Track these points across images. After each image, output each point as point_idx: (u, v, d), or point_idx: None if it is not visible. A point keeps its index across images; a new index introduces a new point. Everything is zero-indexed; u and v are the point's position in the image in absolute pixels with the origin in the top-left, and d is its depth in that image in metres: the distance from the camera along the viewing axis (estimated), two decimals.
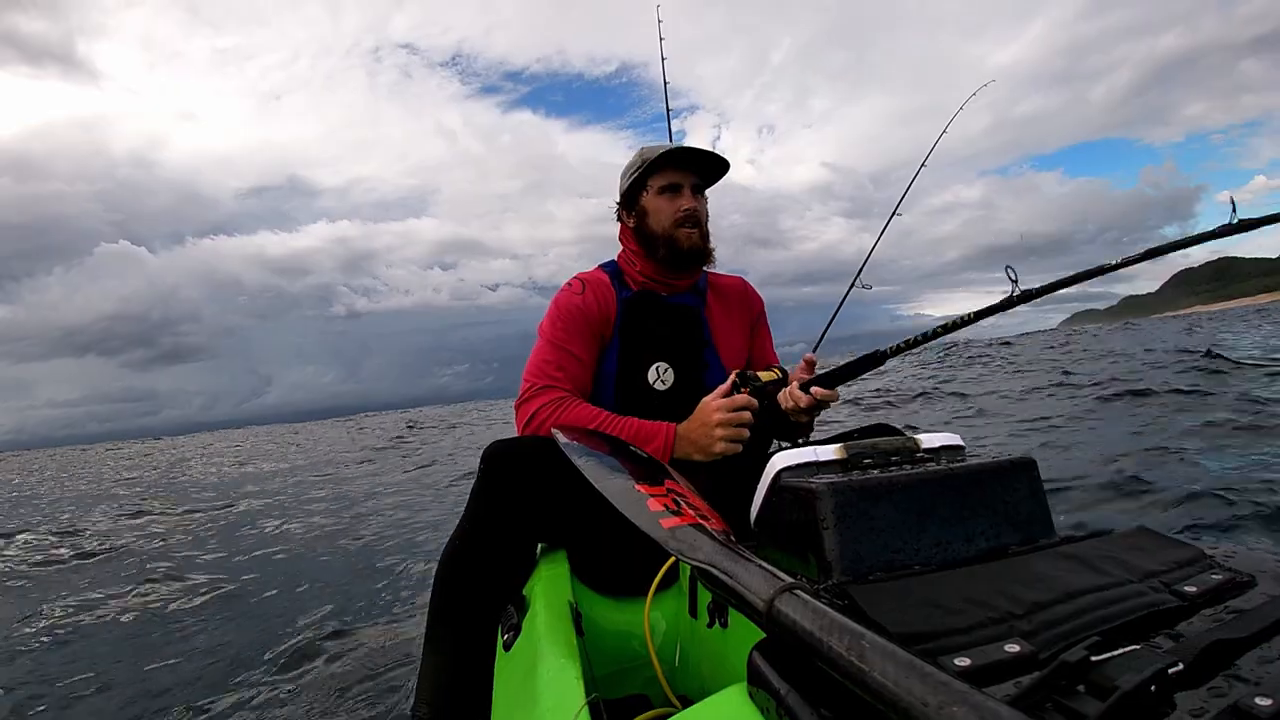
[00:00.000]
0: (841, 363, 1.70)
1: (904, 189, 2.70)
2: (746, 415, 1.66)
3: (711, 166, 2.00)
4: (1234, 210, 1.30)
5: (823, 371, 1.72)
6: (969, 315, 1.55)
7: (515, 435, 1.72)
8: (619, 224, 2.09)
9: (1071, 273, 1.47)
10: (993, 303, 1.52)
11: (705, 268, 2.08)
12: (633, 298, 1.97)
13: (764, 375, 1.74)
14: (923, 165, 2.78)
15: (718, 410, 1.65)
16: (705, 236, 1.98)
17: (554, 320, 1.90)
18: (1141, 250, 1.42)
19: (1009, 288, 1.49)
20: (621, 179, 2.05)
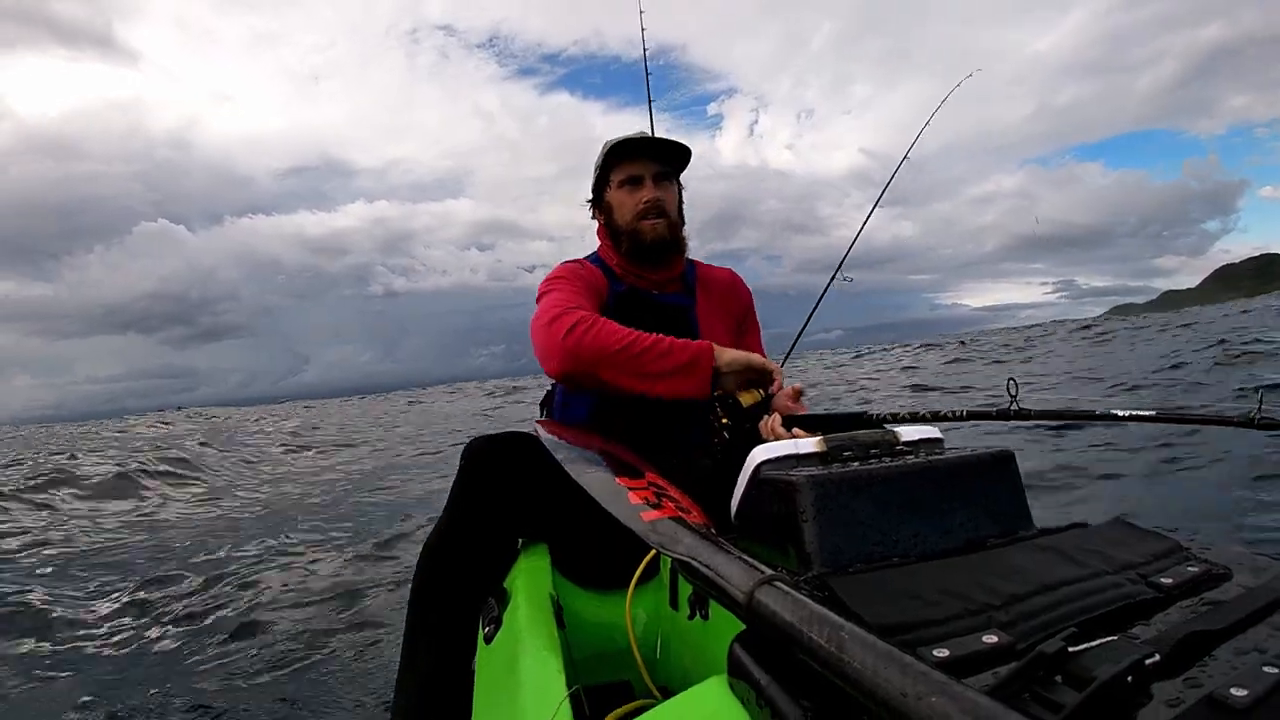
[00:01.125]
0: (825, 411, 1.69)
1: (892, 180, 2.71)
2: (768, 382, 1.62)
3: (674, 151, 1.94)
4: None
5: (809, 414, 1.69)
6: (962, 412, 1.60)
7: (494, 433, 1.69)
8: (594, 221, 2.04)
9: (1071, 410, 1.55)
10: (988, 409, 1.60)
11: (689, 257, 2.04)
12: (623, 294, 1.92)
13: (744, 398, 1.65)
14: (904, 158, 2.80)
15: (767, 363, 1.60)
16: (673, 226, 1.93)
17: (556, 277, 1.83)
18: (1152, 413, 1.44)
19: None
20: (593, 174, 2.01)
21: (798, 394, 1.74)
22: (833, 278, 2.52)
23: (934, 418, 1.58)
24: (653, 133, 2.08)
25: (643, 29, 2.82)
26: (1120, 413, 1.42)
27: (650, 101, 2.67)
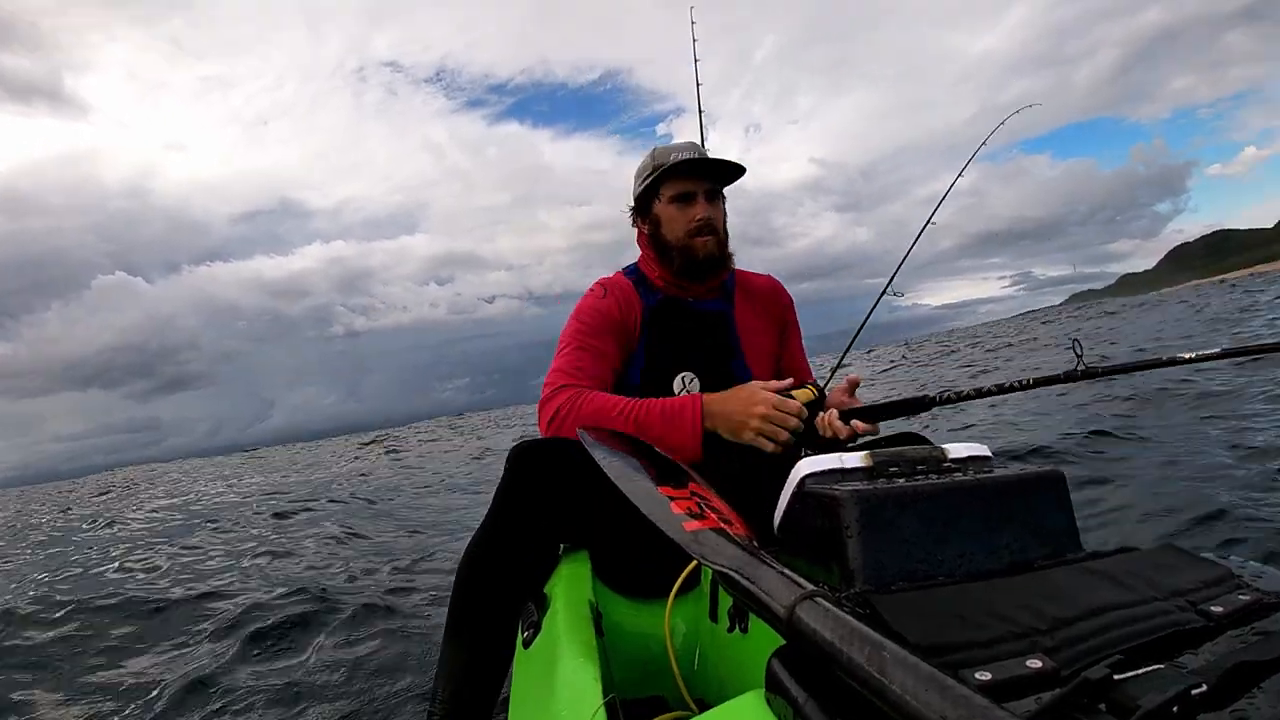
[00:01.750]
0: (884, 400, 1.68)
1: (937, 195, 2.69)
2: (793, 422, 1.60)
3: (726, 169, 1.96)
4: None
5: (866, 405, 1.69)
6: (1028, 380, 1.60)
7: (539, 437, 1.71)
8: (635, 229, 2.07)
9: (1138, 362, 1.56)
10: (1054, 373, 1.58)
11: (732, 267, 2.05)
12: (658, 305, 1.95)
13: (799, 395, 1.67)
14: (950, 186, 2.78)
15: (767, 400, 1.60)
16: (722, 244, 1.96)
17: (576, 321, 1.89)
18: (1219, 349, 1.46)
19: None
20: (634, 182, 2.03)
21: (853, 386, 1.75)
22: (882, 293, 2.51)
23: (999, 390, 1.57)
24: (703, 146, 2.10)
25: (695, 43, 2.83)
26: (1187, 355, 1.44)
27: (701, 115, 2.68)
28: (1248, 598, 0.80)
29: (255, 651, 3.01)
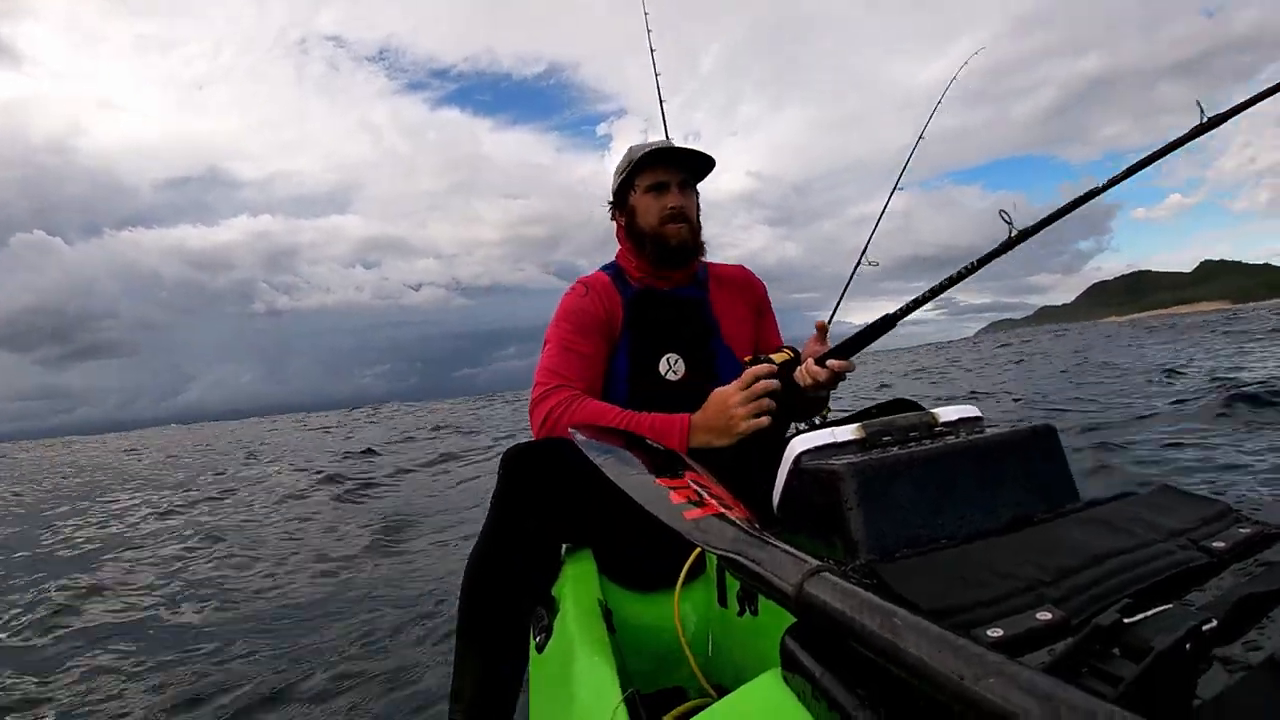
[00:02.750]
0: (851, 333, 1.71)
1: (888, 183, 2.69)
2: (765, 385, 1.64)
3: (699, 161, 2.03)
4: (1202, 112, 1.43)
5: (836, 344, 1.72)
6: (971, 264, 1.61)
7: (531, 438, 1.72)
8: (614, 223, 2.13)
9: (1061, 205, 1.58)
10: (993, 249, 1.58)
11: (703, 259, 2.11)
12: (636, 295, 2.00)
13: (776, 357, 1.72)
14: (920, 138, 2.79)
15: (734, 391, 1.64)
16: (694, 231, 2.02)
17: (560, 323, 1.93)
18: (1123, 169, 1.56)
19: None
20: (613, 179, 2.09)
21: (822, 331, 1.78)
22: (858, 264, 2.51)
23: (949, 283, 1.61)
24: (668, 140, 2.14)
25: (651, 50, 2.84)
26: (1100, 183, 1.56)
27: (664, 112, 2.70)
28: (1248, 530, 0.81)
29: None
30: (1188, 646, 0.57)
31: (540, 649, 1.49)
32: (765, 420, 1.63)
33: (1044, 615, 0.65)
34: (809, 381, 1.68)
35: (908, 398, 1.65)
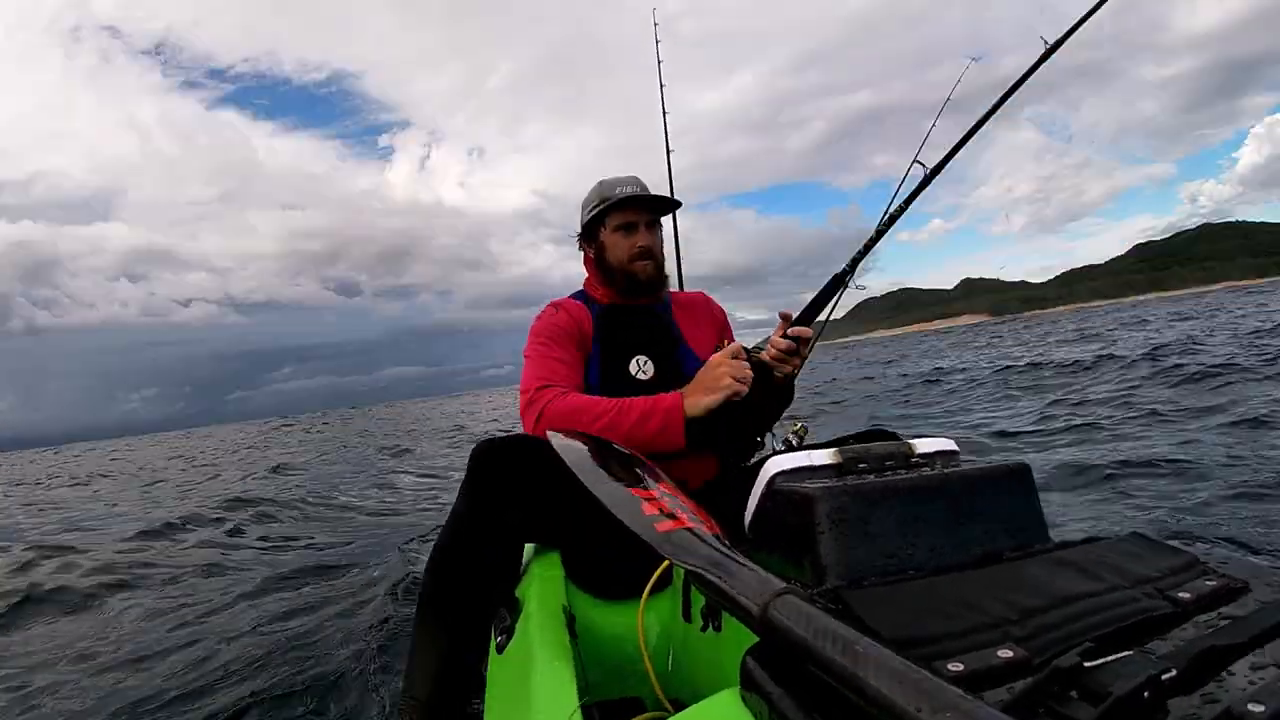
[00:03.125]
0: (807, 303, 1.87)
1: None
2: (748, 362, 1.70)
3: (664, 203, 2.14)
4: (1045, 42, 1.75)
5: (796, 317, 1.83)
6: (900, 206, 1.86)
7: (502, 435, 1.72)
8: (581, 252, 2.22)
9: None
10: (910, 191, 1.83)
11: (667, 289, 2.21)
12: (604, 310, 2.09)
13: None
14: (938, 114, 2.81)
15: (722, 359, 1.69)
16: (660, 267, 2.12)
17: (534, 340, 2.00)
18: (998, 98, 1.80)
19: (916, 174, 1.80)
20: (581, 210, 2.18)
21: (787, 319, 1.84)
22: (845, 284, 2.54)
23: (887, 226, 1.83)
24: (670, 177, 2.24)
25: (661, 85, 2.90)
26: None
27: (667, 139, 2.76)
28: (1214, 583, 0.81)
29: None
30: (1146, 694, 0.57)
31: (500, 650, 1.49)
32: (743, 387, 1.66)
33: (1006, 653, 0.65)
34: (773, 352, 1.76)
35: (885, 428, 1.66)
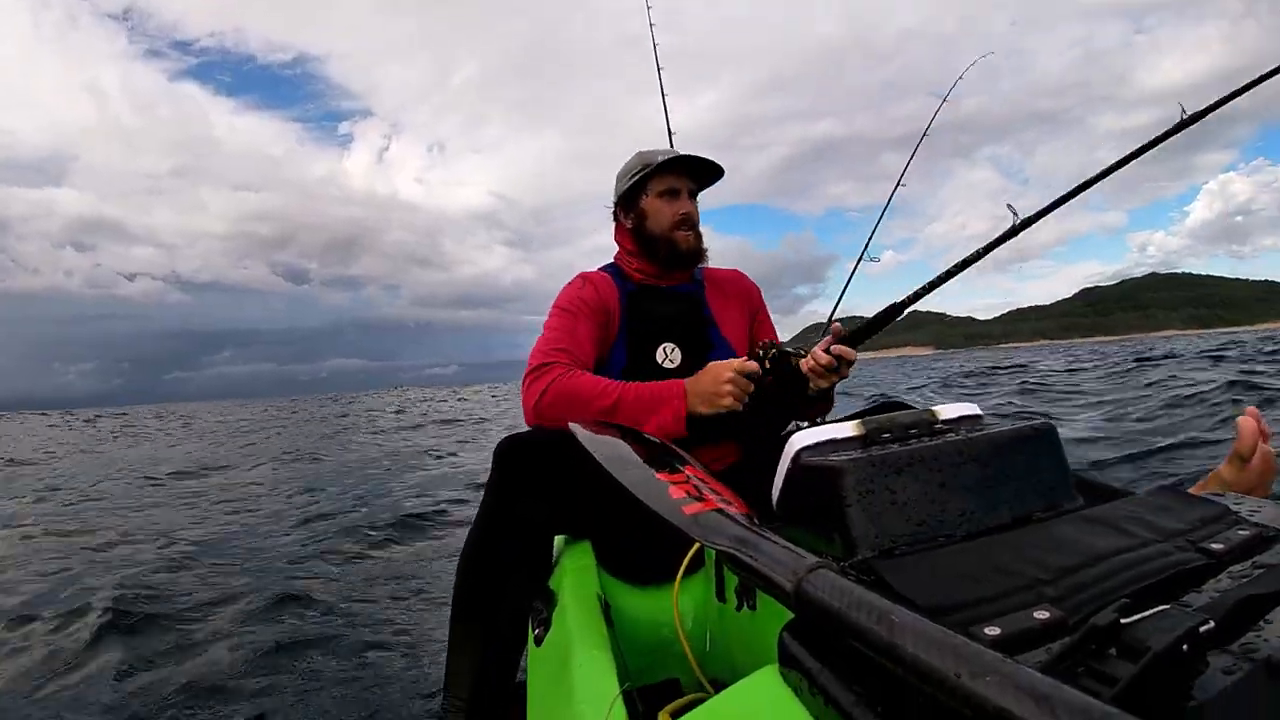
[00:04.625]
0: (862, 324, 1.77)
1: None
2: (753, 366, 1.69)
3: (707, 171, 2.11)
4: (1183, 110, 1.55)
5: (847, 333, 1.75)
6: (979, 251, 1.66)
7: (524, 431, 1.72)
8: (615, 224, 2.18)
9: (1064, 192, 1.63)
10: (998, 235, 1.64)
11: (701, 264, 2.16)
12: (634, 290, 2.06)
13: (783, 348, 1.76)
14: (922, 136, 2.79)
15: (728, 367, 1.67)
16: (700, 238, 2.09)
17: (556, 309, 1.98)
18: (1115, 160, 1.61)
19: (1009, 219, 1.62)
20: (618, 180, 2.14)
21: (837, 335, 1.77)
22: (860, 258, 2.53)
23: (960, 267, 1.68)
24: (672, 146, 2.19)
25: (662, 89, 2.86)
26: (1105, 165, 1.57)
27: (668, 116, 2.72)
28: (1247, 533, 0.81)
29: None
30: (1184, 648, 0.56)
31: (539, 642, 1.50)
32: (739, 406, 1.66)
33: (1042, 614, 0.65)
34: (810, 364, 1.70)
35: (901, 399, 1.66)
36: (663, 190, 2.05)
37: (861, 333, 1.75)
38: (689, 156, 2.06)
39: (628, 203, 2.11)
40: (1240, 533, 0.81)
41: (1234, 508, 0.89)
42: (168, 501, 7.29)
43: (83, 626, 3.22)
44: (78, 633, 3.14)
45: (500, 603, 1.62)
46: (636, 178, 2.06)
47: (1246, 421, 1.18)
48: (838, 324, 1.80)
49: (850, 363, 1.72)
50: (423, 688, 2.51)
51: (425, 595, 3.63)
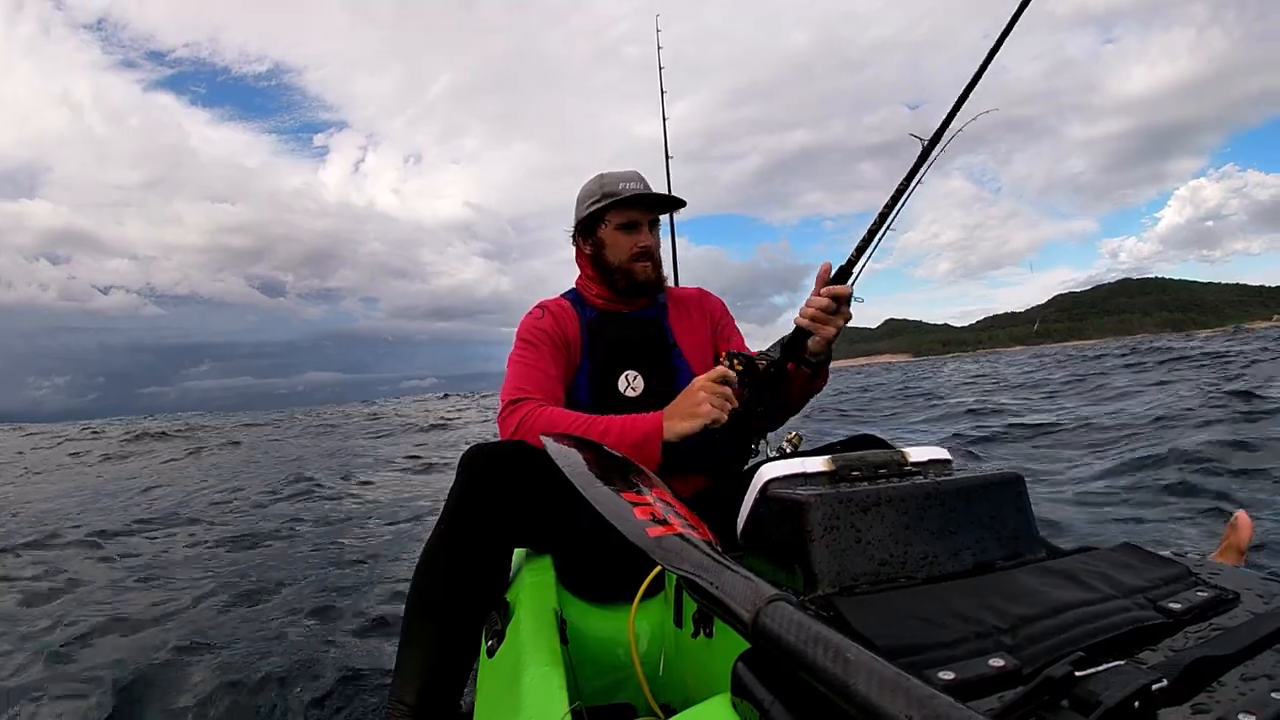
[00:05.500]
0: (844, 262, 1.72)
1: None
2: (727, 388, 1.66)
3: (667, 200, 2.10)
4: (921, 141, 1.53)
5: (836, 271, 1.72)
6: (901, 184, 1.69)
7: (493, 440, 1.71)
8: (575, 248, 2.16)
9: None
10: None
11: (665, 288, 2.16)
12: (594, 317, 2.06)
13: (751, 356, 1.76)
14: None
15: (700, 384, 1.65)
16: (658, 266, 2.07)
17: (518, 346, 1.98)
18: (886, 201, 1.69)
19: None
20: (578, 204, 2.12)
21: (826, 272, 1.73)
22: (885, 228, 2.51)
23: (894, 201, 1.70)
24: (668, 176, 2.19)
25: (661, 90, 2.85)
26: None
27: (667, 150, 2.71)
28: (1206, 594, 0.82)
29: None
30: (1136, 704, 0.57)
31: (491, 653, 1.48)
32: (723, 416, 1.63)
33: (997, 662, 0.65)
34: (811, 312, 1.68)
35: (876, 435, 1.65)
36: (622, 223, 2.04)
37: (847, 268, 1.70)
38: (649, 195, 2.04)
39: (586, 230, 2.10)
40: (1199, 594, 0.82)
41: (1194, 570, 0.90)
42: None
43: None
44: None
45: (455, 609, 1.60)
46: (596, 207, 2.05)
47: (1245, 517, 1.20)
48: (827, 262, 1.75)
49: (848, 300, 1.69)
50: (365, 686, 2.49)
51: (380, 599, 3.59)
